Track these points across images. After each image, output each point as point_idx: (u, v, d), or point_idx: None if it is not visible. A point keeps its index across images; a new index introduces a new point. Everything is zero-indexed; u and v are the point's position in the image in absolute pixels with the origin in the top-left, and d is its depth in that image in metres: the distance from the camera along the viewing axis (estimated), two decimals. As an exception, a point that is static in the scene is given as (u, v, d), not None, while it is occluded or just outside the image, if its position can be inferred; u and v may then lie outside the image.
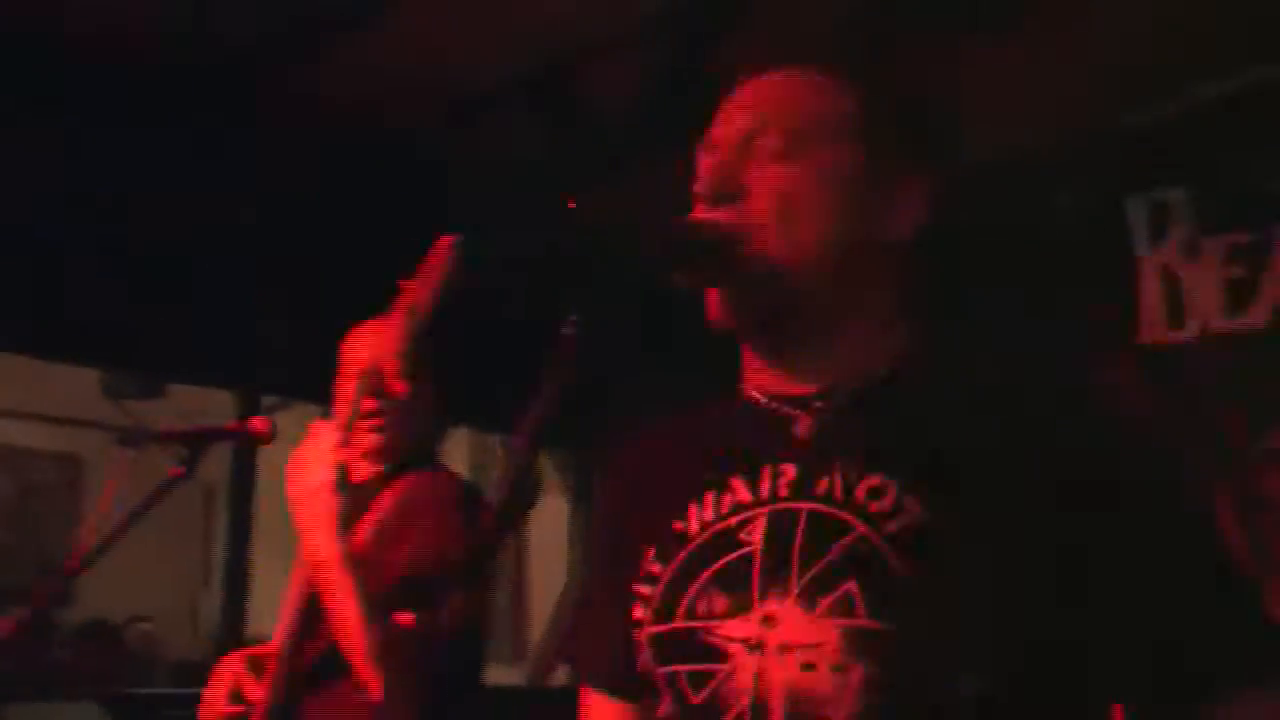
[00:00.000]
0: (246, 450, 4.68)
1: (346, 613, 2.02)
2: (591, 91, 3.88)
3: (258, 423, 2.27)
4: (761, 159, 1.12)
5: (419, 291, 2.02)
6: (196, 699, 4.58)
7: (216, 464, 6.01)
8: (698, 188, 1.14)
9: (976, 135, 3.44)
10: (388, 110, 3.96)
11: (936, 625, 0.97)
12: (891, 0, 3.10)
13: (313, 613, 2.12)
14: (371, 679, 2.01)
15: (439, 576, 2.07)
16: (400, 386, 2.16)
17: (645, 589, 1.14)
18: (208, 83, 3.76)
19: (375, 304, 4.39)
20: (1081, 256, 3.49)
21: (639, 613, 1.14)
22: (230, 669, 2.23)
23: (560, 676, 5.39)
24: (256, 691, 2.13)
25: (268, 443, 2.30)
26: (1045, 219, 3.53)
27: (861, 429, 1.09)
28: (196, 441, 2.27)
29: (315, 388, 5.12)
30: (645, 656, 1.13)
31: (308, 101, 3.91)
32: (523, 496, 0.92)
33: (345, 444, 2.08)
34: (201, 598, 7.86)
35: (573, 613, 1.35)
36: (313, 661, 2.15)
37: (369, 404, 2.20)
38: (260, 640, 5.59)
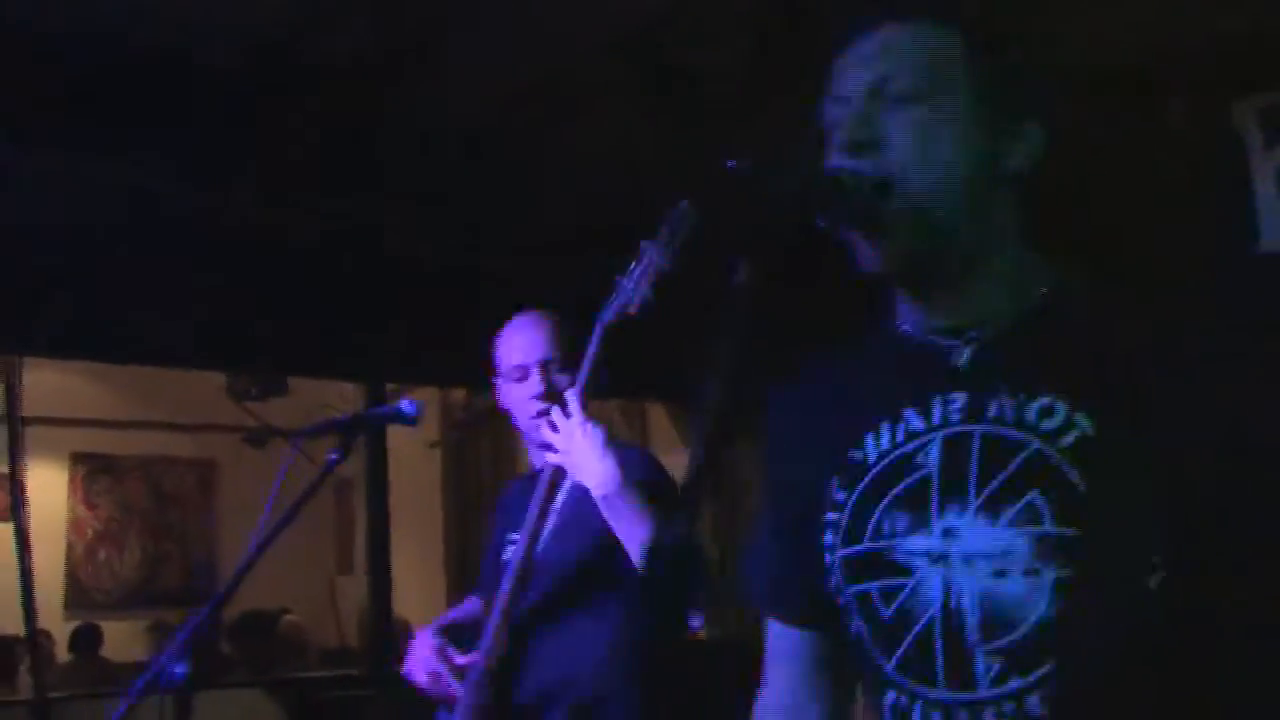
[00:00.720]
0: (379, 441, 4.84)
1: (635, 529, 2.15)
2: (689, 56, 3.89)
3: (406, 405, 2.34)
4: (892, 106, 1.17)
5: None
6: (345, 681, 4.74)
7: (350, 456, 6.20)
8: (833, 138, 1.19)
9: (1081, 47, 3.42)
10: (484, 98, 4.01)
11: (1118, 530, 1.04)
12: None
13: (527, 572, 2.28)
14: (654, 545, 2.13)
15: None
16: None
17: (832, 515, 1.21)
18: (310, 88, 3.84)
19: (486, 289, 4.47)
20: (1195, 164, 3.43)
21: (828, 539, 1.21)
22: (428, 641, 2.36)
23: (700, 632, 5.47)
24: (459, 658, 2.30)
25: (415, 423, 2.38)
26: (1156, 128, 3.48)
27: (1021, 354, 1.15)
28: (350, 429, 2.36)
29: (431, 372, 5.28)
30: (836, 578, 1.20)
31: (413, 101, 3.98)
32: (712, 453, 0.98)
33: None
34: (339, 587, 8.09)
35: (754, 550, 1.42)
36: (527, 613, 2.31)
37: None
38: (405, 623, 5.74)
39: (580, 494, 2.31)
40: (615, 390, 5.48)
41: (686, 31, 3.72)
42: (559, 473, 2.28)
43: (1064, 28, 3.40)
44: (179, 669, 2.10)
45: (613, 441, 2.30)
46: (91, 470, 8.10)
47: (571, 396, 2.25)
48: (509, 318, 2.53)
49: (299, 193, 4.24)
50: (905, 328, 1.25)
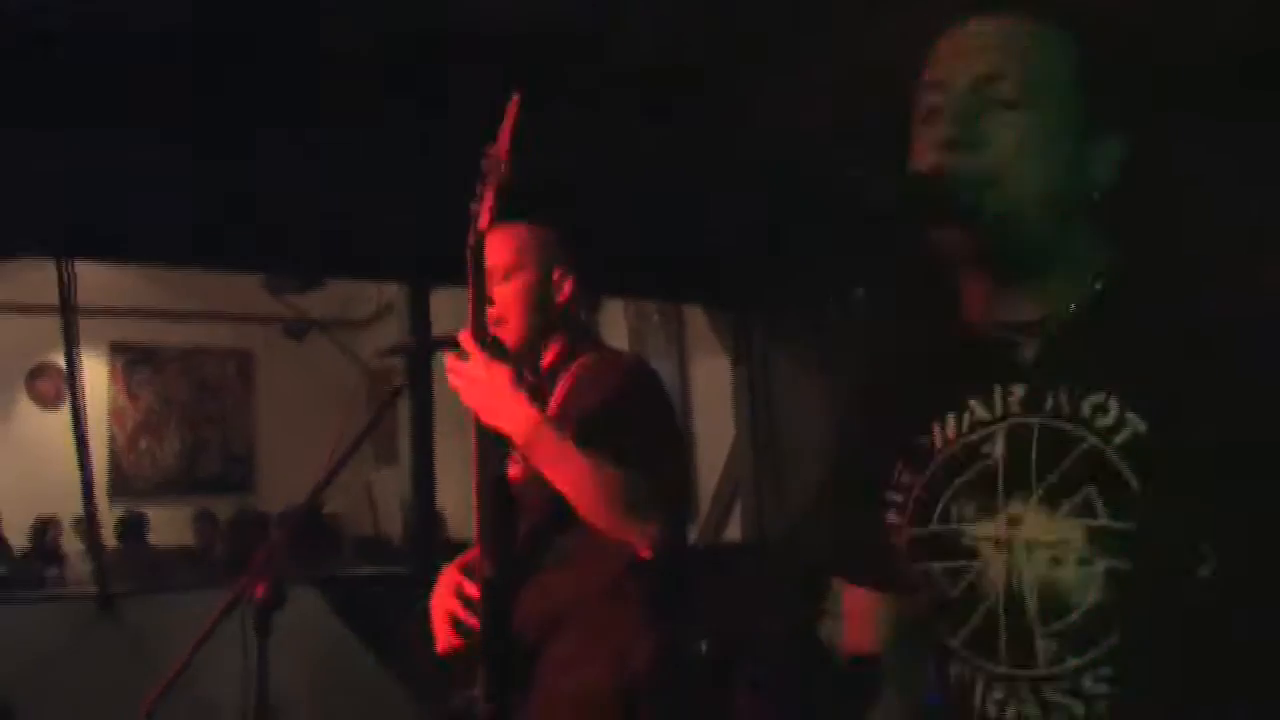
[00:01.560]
0: (422, 332, 4.87)
1: (578, 474, 2.07)
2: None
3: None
4: (996, 105, 1.17)
5: (499, 152, 2.10)
6: (388, 578, 4.81)
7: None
8: (925, 125, 1.20)
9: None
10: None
11: (1169, 523, 1.09)
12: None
13: (506, 505, 2.22)
14: (623, 529, 2.09)
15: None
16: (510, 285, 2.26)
17: (898, 497, 1.26)
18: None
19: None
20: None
21: (893, 518, 1.27)
22: (450, 576, 2.32)
23: (731, 534, 5.57)
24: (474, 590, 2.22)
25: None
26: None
27: (1080, 350, 1.18)
28: (414, 355, 2.37)
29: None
30: (902, 556, 1.26)
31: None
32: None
33: (485, 348, 2.13)
34: (376, 479, 8.21)
35: (821, 517, 1.47)
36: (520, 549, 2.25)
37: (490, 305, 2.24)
38: (441, 516, 5.78)
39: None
40: (653, 291, 5.50)
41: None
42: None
43: None
44: (259, 590, 2.14)
45: (596, 352, 2.28)
46: (131, 360, 8.23)
47: (465, 337, 2.13)
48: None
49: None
50: (971, 317, 1.27)
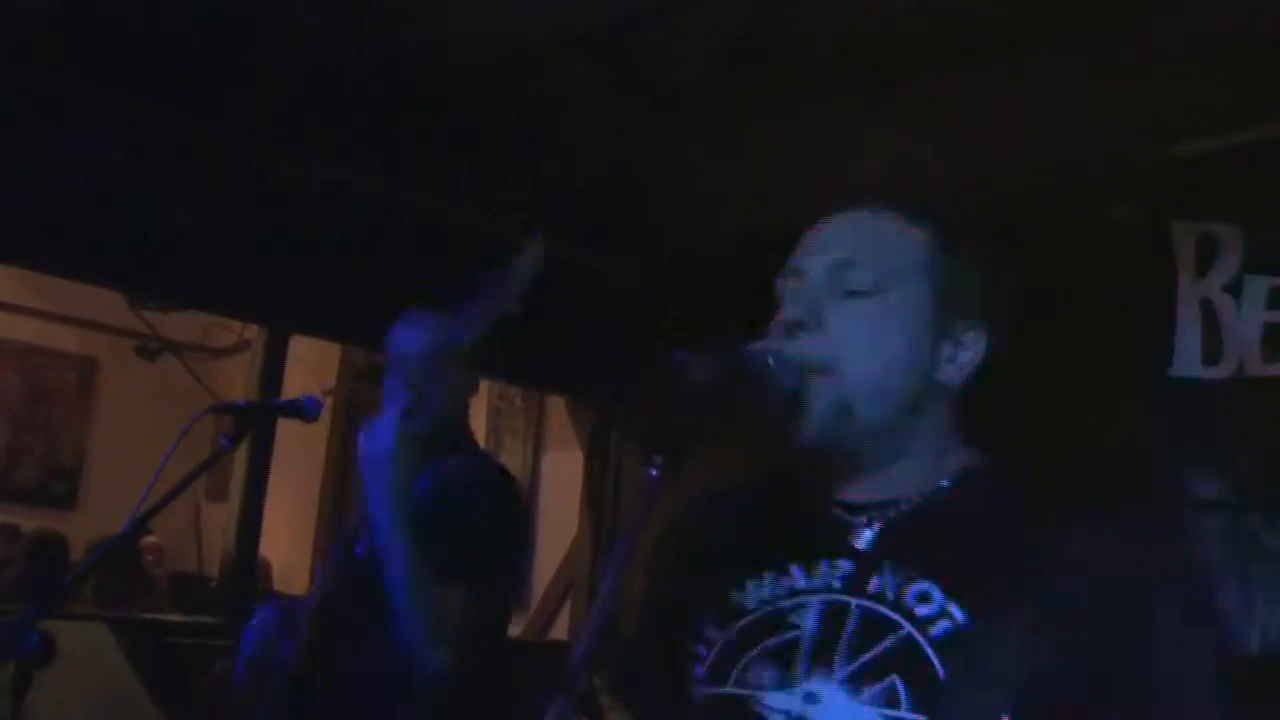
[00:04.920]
0: (272, 377, 4.76)
1: (401, 577, 2.11)
2: (655, 53, 3.85)
3: (308, 403, 2.31)
4: (845, 293, 1.21)
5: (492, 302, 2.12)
6: (200, 627, 4.63)
7: (236, 384, 6.05)
8: (782, 312, 1.24)
9: (1040, 139, 3.46)
10: (443, 63, 3.91)
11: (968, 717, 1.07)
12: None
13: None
14: (418, 643, 2.11)
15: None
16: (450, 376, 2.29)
17: (703, 650, 1.25)
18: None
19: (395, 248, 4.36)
20: (1126, 275, 3.48)
21: (698, 670, 1.25)
22: (264, 621, 2.34)
23: (561, 630, 5.47)
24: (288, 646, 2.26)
25: (313, 420, 2.33)
26: (1096, 230, 3.52)
27: (913, 540, 1.19)
28: (247, 416, 2.32)
29: (328, 323, 5.14)
30: (695, 712, 1.23)
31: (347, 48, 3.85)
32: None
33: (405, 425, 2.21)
34: (205, 513, 7.92)
35: (619, 659, 1.44)
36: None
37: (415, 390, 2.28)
38: (267, 564, 5.56)
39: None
40: (517, 378, 5.43)
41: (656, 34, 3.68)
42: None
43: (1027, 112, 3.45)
44: (32, 639, 2.02)
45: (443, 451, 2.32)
46: (-37, 350, 7.79)
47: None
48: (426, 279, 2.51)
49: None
50: (809, 489, 1.28)
